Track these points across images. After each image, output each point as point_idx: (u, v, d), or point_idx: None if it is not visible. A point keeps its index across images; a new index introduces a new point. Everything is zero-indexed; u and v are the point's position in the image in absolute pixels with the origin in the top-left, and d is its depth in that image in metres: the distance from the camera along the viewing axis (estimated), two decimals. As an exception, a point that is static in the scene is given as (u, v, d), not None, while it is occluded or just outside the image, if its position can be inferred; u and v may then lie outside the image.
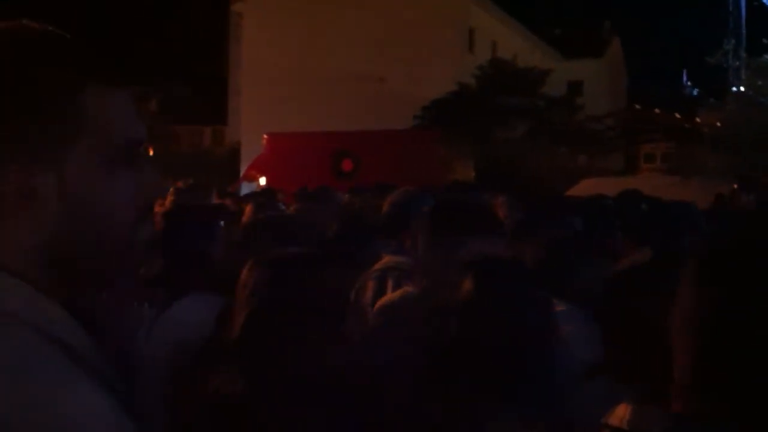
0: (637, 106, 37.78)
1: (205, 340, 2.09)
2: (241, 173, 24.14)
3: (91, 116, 0.88)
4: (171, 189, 5.52)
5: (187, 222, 3.00)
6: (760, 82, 28.38)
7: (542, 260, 2.71)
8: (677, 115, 34.27)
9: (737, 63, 32.86)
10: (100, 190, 0.89)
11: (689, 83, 37.74)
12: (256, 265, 1.72)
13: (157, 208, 4.01)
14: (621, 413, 0.96)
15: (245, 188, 16.46)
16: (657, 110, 35.65)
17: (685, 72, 38.44)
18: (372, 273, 3.38)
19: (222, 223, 3.32)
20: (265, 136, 19.72)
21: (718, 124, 28.34)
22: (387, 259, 3.50)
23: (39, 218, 0.86)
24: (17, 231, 0.86)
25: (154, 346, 2.59)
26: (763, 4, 32.83)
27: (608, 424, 0.96)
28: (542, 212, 3.43)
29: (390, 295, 2.99)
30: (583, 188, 15.63)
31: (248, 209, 4.22)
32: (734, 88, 30.94)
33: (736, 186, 12.12)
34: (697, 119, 31.68)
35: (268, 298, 1.64)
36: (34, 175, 0.85)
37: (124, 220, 0.92)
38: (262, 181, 16.69)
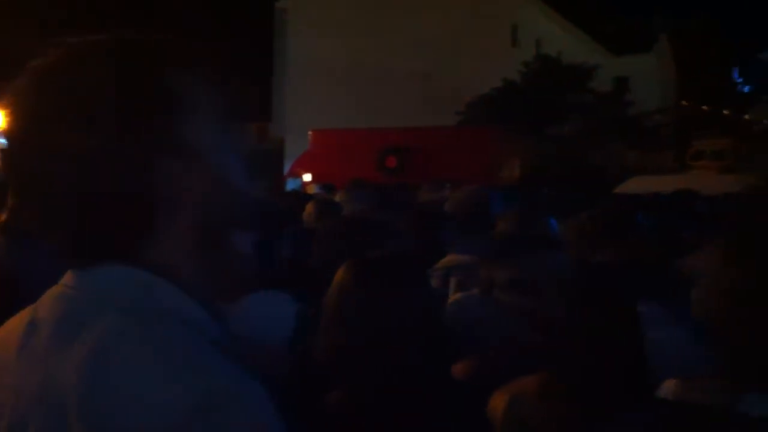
0: (685, 103, 37.21)
1: (286, 337, 2.06)
2: (285, 170, 24.31)
3: (194, 94, 0.94)
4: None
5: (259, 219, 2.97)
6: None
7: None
8: (725, 112, 33.68)
9: (791, 59, 32.12)
10: (220, 156, 0.94)
11: (741, 80, 37.00)
12: (361, 267, 1.64)
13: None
14: (668, 386, 0.92)
15: (290, 184, 16.54)
16: (705, 107, 35.08)
17: (736, 69, 37.69)
18: (435, 271, 3.32)
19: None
20: (310, 133, 19.81)
21: (766, 121, 27.80)
22: (451, 258, 3.44)
23: (187, 205, 0.91)
24: (171, 227, 0.91)
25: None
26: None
27: (657, 397, 1.00)
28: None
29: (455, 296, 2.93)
30: (633, 186, 15.45)
31: (309, 208, 4.17)
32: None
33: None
34: (747, 116, 31.09)
35: (377, 303, 1.57)
36: (174, 170, 0.90)
37: (241, 176, 0.98)
38: (307, 177, 16.77)
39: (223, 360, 0.84)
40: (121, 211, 0.87)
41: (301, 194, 8.25)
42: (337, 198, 5.36)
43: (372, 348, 1.52)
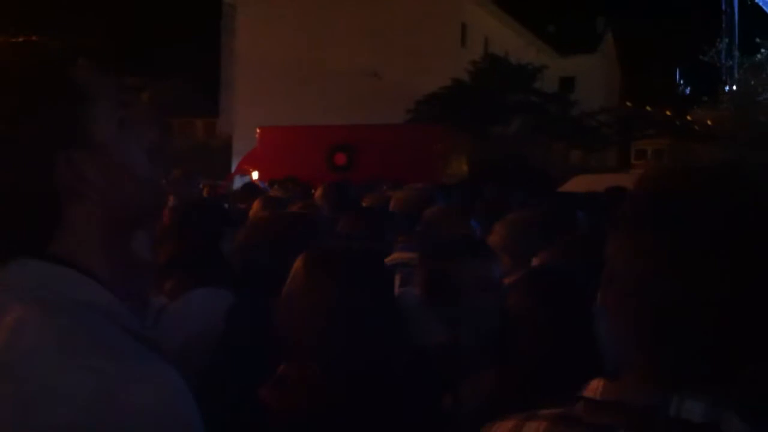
0: (628, 103, 37.83)
1: (218, 334, 2.06)
2: (233, 166, 24.04)
3: (96, 88, 0.95)
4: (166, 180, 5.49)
5: (202, 214, 2.96)
6: (752, 81, 28.47)
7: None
8: (668, 113, 34.33)
9: (730, 62, 32.87)
10: (124, 147, 0.96)
11: (682, 81, 37.76)
12: (322, 262, 1.64)
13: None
14: (595, 385, 0.95)
15: (238, 182, 16.38)
16: (648, 107, 35.69)
17: (678, 70, 38.44)
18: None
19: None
20: (258, 130, 19.64)
21: (709, 122, 28.41)
22: (396, 255, 3.48)
23: (93, 197, 0.92)
24: (79, 219, 0.92)
25: (164, 336, 2.54)
26: (756, 3, 32.86)
27: (583, 396, 0.96)
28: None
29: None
30: (575, 185, 15.65)
31: (256, 206, 4.15)
32: (727, 87, 31.02)
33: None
34: (688, 117, 31.72)
35: (341, 297, 1.57)
36: (78, 162, 0.90)
37: (147, 167, 0.99)
38: (255, 175, 16.62)
39: (134, 345, 0.86)
40: (26, 203, 0.89)
41: (256, 190, 8.14)
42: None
43: (337, 340, 1.52)
